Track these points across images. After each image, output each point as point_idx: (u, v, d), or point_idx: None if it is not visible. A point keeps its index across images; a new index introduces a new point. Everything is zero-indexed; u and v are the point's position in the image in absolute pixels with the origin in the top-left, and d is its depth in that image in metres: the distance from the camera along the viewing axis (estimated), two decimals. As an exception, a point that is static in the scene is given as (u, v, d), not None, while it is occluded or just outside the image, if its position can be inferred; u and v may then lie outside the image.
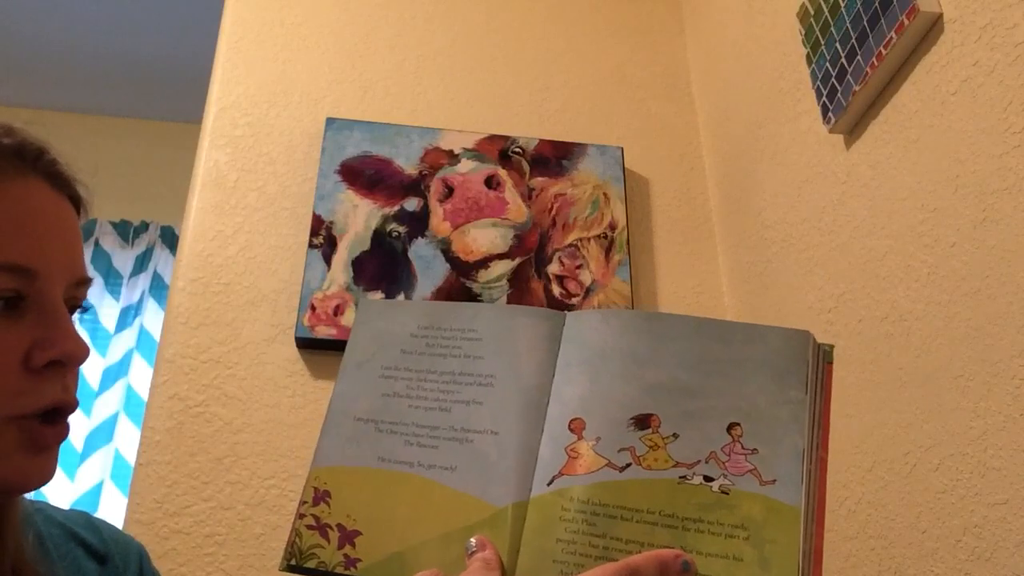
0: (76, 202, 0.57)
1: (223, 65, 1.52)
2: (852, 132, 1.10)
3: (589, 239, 1.44)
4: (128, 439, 2.33)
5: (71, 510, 0.65)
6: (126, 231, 2.69)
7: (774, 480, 0.49)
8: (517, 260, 1.40)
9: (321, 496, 0.56)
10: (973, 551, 0.84)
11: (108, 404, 2.38)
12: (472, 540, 0.50)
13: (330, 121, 1.45)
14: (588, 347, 0.56)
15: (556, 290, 1.39)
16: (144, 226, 2.70)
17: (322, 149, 1.43)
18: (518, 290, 1.38)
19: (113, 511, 2.21)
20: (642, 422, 0.52)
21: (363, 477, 0.56)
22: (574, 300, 1.39)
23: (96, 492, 2.27)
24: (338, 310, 1.30)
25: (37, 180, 0.53)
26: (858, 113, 1.08)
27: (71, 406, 0.52)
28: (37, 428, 0.50)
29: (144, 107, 2.91)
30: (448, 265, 1.37)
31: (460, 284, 1.36)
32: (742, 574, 0.46)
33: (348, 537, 0.54)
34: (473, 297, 1.36)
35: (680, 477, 0.50)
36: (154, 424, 1.22)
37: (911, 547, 0.93)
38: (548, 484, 0.51)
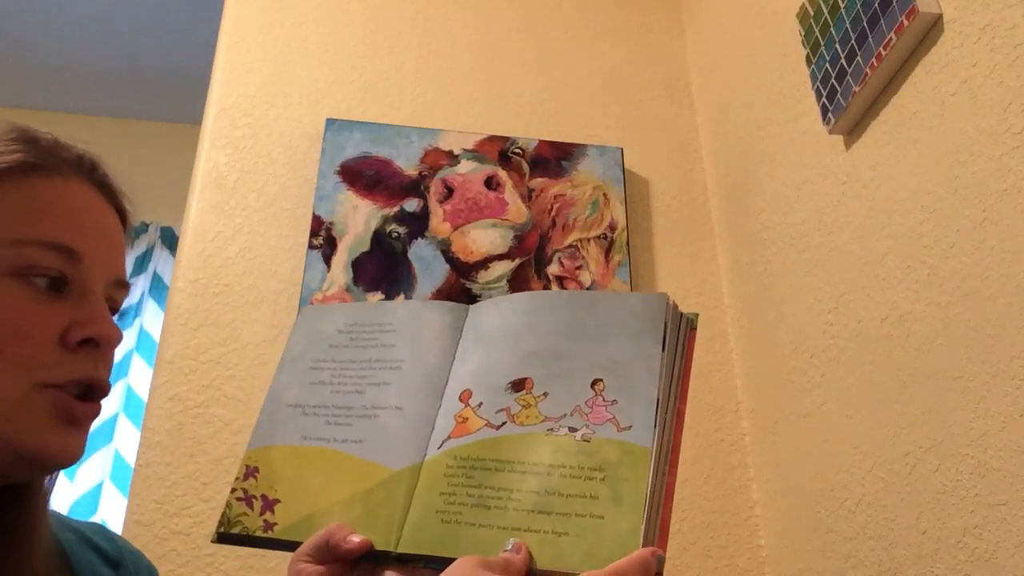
0: (122, 215, 0.62)
1: (223, 66, 1.52)
2: (852, 133, 1.10)
3: (589, 240, 1.44)
4: (128, 440, 2.33)
5: (84, 520, 0.68)
6: (126, 232, 2.69)
7: (630, 426, 0.54)
8: (517, 261, 1.40)
9: (250, 472, 0.62)
10: (973, 552, 0.84)
11: (108, 405, 2.38)
12: None
13: (330, 122, 1.45)
14: (482, 331, 0.63)
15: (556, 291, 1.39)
16: (144, 227, 2.70)
17: (322, 150, 1.43)
18: (518, 291, 1.37)
19: (113, 512, 2.21)
20: (518, 385, 0.58)
21: (287, 453, 0.63)
22: (574, 301, 1.38)
23: (96, 493, 2.26)
24: (338, 311, 1.30)
25: (90, 187, 0.59)
26: (858, 114, 1.08)
27: (101, 384, 0.55)
28: (69, 400, 0.52)
29: (144, 108, 2.91)
30: (448, 266, 1.37)
31: (460, 285, 1.36)
32: (597, 510, 0.51)
33: (269, 505, 0.60)
34: (473, 298, 1.36)
35: (548, 430, 0.55)
36: (154, 425, 1.22)
37: (911, 548, 0.93)
38: (439, 448, 0.58)
